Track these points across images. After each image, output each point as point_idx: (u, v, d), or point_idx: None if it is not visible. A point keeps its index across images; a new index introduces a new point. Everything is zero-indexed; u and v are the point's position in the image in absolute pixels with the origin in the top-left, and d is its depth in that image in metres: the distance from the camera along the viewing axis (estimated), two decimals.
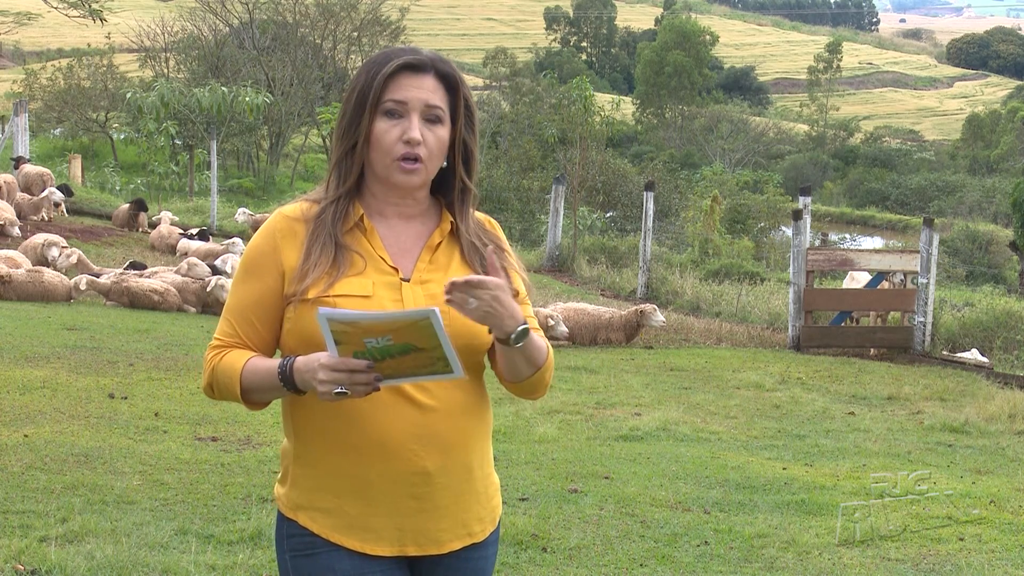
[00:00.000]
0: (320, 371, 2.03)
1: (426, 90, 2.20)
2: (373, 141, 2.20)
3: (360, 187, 2.27)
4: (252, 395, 2.21)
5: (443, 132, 2.23)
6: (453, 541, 2.25)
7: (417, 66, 2.21)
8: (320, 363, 2.04)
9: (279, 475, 2.32)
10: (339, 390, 2.03)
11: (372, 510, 2.19)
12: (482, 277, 2.08)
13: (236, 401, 2.24)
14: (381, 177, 2.23)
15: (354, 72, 2.29)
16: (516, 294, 2.27)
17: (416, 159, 2.20)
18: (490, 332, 2.16)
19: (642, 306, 12.79)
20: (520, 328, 2.13)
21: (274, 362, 2.16)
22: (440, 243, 2.27)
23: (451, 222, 2.29)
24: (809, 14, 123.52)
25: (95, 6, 16.80)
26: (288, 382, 2.12)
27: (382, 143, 2.19)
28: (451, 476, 2.21)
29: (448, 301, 2.08)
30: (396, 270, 2.22)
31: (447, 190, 2.30)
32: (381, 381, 2.04)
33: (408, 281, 2.21)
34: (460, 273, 2.24)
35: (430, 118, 2.21)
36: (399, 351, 2.01)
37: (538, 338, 2.23)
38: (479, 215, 2.35)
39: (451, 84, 2.24)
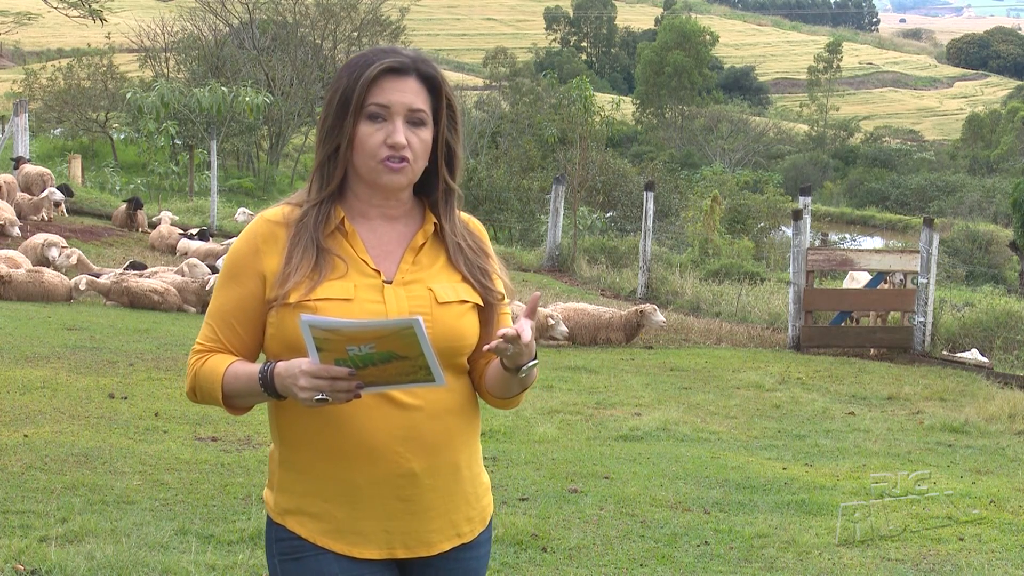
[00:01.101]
0: (301, 378, 2.02)
1: (409, 93, 2.19)
2: (357, 145, 2.19)
3: (343, 189, 2.26)
4: (233, 400, 2.21)
5: (426, 134, 2.22)
6: (443, 542, 2.24)
7: (399, 69, 2.20)
8: (301, 369, 2.03)
9: (267, 479, 2.32)
10: (320, 397, 2.02)
11: (360, 513, 2.19)
12: (526, 336, 2.12)
13: (219, 406, 2.23)
14: (367, 180, 2.22)
15: (337, 73, 2.30)
16: (501, 297, 2.29)
17: (402, 160, 2.19)
18: (501, 363, 2.19)
19: (642, 306, 12.79)
20: (532, 362, 2.18)
21: (255, 367, 2.15)
22: (424, 244, 2.26)
23: (435, 223, 2.28)
24: (809, 14, 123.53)
25: (95, 6, 16.79)
26: (269, 387, 2.11)
27: (366, 146, 2.18)
28: (438, 477, 2.21)
29: (492, 349, 2.13)
30: (378, 272, 2.21)
31: (430, 190, 2.28)
32: (363, 388, 2.03)
33: (391, 283, 2.20)
34: (445, 275, 2.24)
35: (413, 121, 2.20)
36: (381, 359, 2.00)
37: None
38: (462, 216, 2.34)
39: (434, 85, 2.23)
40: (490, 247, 2.36)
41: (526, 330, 2.11)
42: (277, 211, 2.26)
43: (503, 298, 2.29)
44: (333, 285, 2.16)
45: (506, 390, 2.25)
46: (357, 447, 2.16)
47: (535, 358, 2.18)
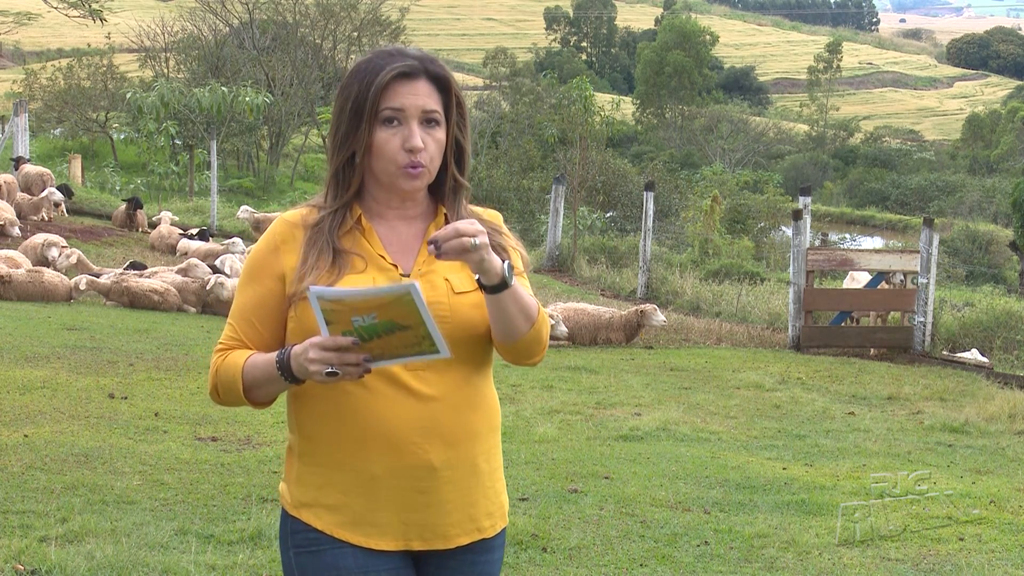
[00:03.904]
0: (311, 350, 2.06)
1: (422, 95, 2.22)
2: (375, 151, 2.22)
3: (360, 190, 2.29)
4: (254, 391, 2.22)
5: (440, 134, 2.25)
6: (461, 536, 2.26)
7: (410, 72, 2.22)
8: (311, 342, 2.07)
9: (283, 472, 2.34)
10: (330, 370, 2.05)
11: (377, 505, 2.20)
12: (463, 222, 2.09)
13: (241, 401, 2.24)
14: (385, 184, 2.25)
15: (346, 77, 2.36)
16: (519, 272, 2.29)
17: (420, 165, 2.22)
18: (480, 285, 2.15)
19: (642, 306, 12.78)
20: (507, 263, 2.14)
21: (273, 354, 2.18)
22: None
23: (444, 215, 2.31)
24: (809, 14, 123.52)
25: (95, 6, 16.77)
26: (286, 371, 2.13)
27: (384, 153, 2.21)
28: (456, 470, 2.22)
29: (440, 256, 2.08)
30: (396, 267, 2.24)
31: (439, 185, 2.32)
32: (371, 363, 2.05)
33: (408, 276, 2.23)
34: (461, 266, 2.25)
35: (428, 121, 2.23)
36: (384, 329, 2.03)
37: (524, 288, 2.23)
38: (475, 208, 2.37)
39: (443, 85, 2.26)
40: (505, 228, 2.38)
41: (458, 224, 2.08)
42: (296, 213, 2.30)
43: (519, 272, 2.29)
44: (352, 280, 2.19)
45: (512, 327, 2.20)
46: (376, 438, 2.18)
47: (505, 262, 2.13)
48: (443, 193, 2.31)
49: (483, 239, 2.08)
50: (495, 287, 2.14)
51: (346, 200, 2.26)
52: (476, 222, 2.11)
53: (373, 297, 2.01)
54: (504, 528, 2.35)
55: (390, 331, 2.03)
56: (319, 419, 2.22)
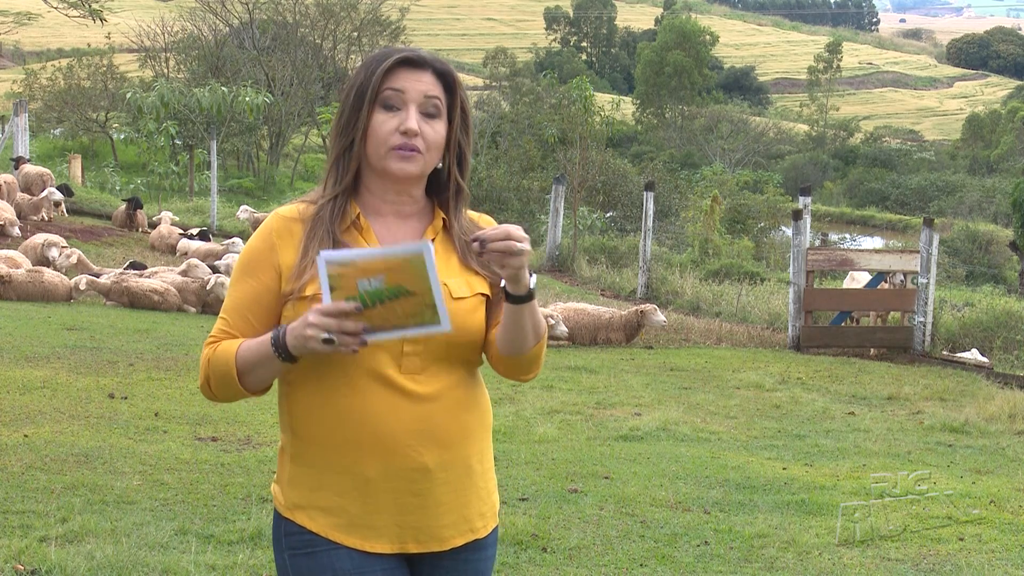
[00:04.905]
0: (311, 315, 2.03)
1: (425, 82, 2.22)
2: (370, 133, 2.20)
3: (357, 186, 2.27)
4: (248, 376, 2.18)
5: (440, 127, 2.23)
6: (455, 537, 2.25)
7: (416, 61, 2.23)
8: (312, 308, 2.04)
9: (276, 474, 2.32)
10: (326, 337, 2.02)
11: (372, 507, 2.19)
12: (508, 228, 2.10)
13: (234, 388, 2.20)
14: (377, 169, 2.23)
15: (354, 71, 2.37)
16: None
17: (413, 150, 2.20)
18: (503, 295, 2.16)
19: (642, 306, 12.78)
20: (533, 276, 2.16)
21: (267, 335, 2.15)
22: (433, 239, 2.27)
23: (443, 218, 2.30)
24: (809, 14, 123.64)
25: (95, 6, 16.75)
26: (281, 348, 2.09)
27: (378, 133, 2.20)
28: (450, 471, 2.22)
29: (482, 254, 2.08)
30: None
31: (441, 190, 2.31)
32: (370, 334, 2.03)
33: None
34: (457, 270, 2.26)
35: (428, 111, 2.21)
36: (390, 295, 2.02)
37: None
38: (472, 214, 2.36)
39: (449, 83, 2.25)
40: None
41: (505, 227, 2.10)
42: (292, 208, 2.28)
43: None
44: None
45: (522, 339, 2.21)
46: (370, 440, 2.16)
47: (532, 275, 2.16)
48: (444, 197, 2.30)
49: (527, 247, 2.09)
50: (521, 297, 2.15)
51: (344, 187, 2.24)
52: (521, 229, 2.11)
53: (384, 258, 2.01)
54: (496, 527, 2.35)
55: (395, 296, 2.02)
56: (312, 420, 2.20)
